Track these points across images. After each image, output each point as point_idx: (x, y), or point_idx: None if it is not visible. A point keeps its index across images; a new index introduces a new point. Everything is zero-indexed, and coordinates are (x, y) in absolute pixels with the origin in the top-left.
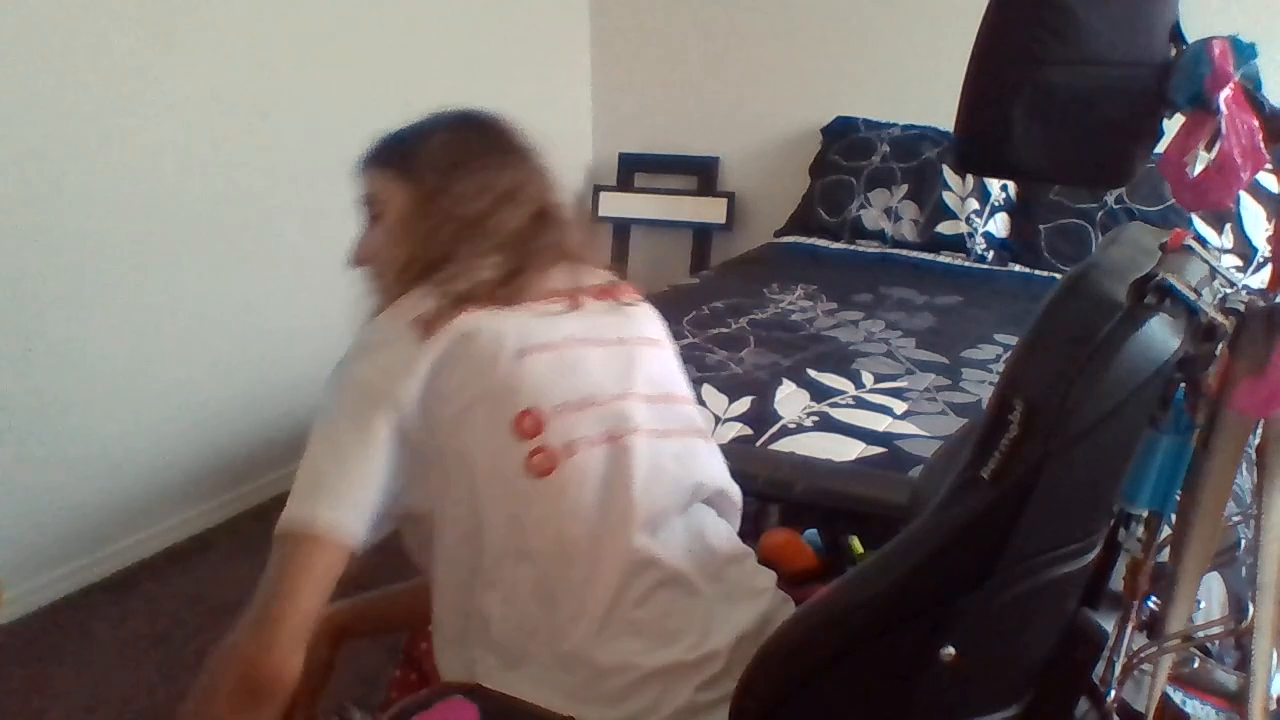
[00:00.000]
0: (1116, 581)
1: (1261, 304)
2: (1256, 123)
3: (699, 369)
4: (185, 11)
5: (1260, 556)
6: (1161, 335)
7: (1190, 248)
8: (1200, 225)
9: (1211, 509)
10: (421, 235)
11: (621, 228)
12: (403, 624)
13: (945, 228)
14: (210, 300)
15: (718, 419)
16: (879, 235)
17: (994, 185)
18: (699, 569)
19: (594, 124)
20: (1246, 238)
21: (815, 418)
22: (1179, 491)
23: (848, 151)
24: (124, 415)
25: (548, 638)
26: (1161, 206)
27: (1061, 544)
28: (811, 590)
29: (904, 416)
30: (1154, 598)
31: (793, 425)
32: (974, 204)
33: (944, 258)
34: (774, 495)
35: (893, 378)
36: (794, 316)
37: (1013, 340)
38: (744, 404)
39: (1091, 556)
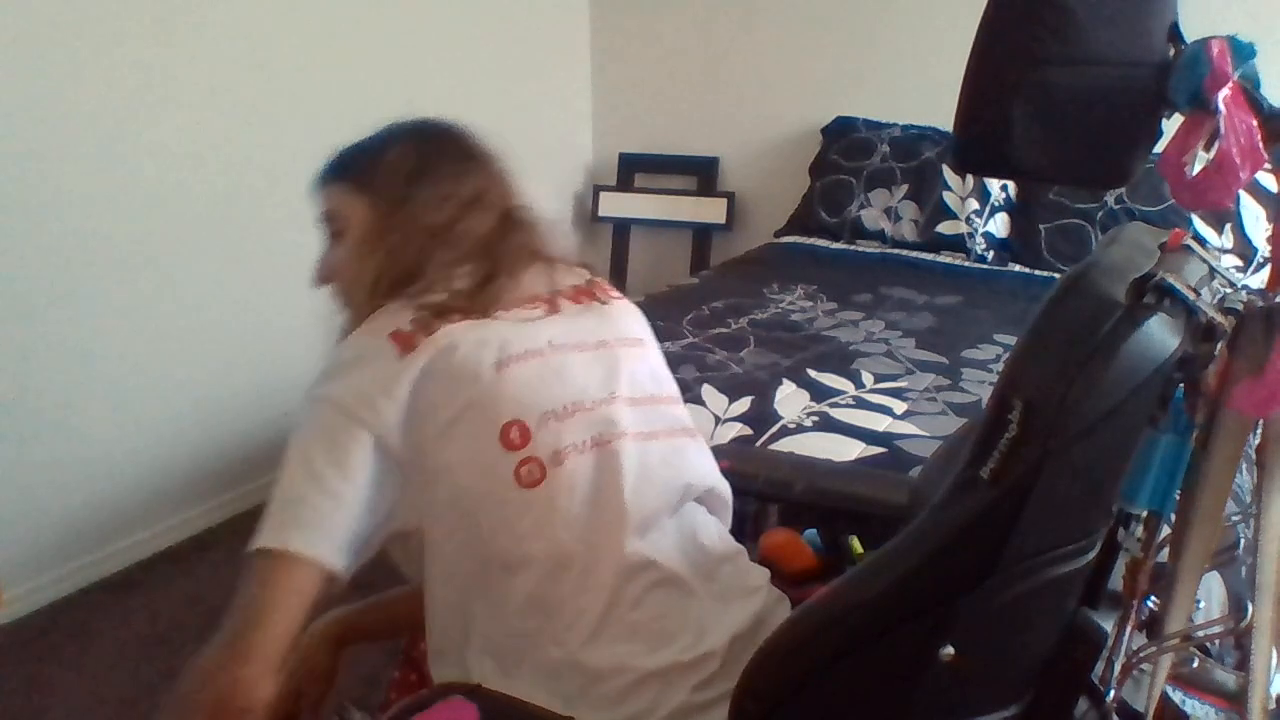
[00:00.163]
0: (1116, 581)
1: (1261, 304)
2: (1255, 122)
3: (699, 369)
4: (185, 11)
5: (1260, 556)
6: (1161, 335)
7: (1189, 248)
8: (1200, 225)
9: (1211, 509)
10: (389, 249)
11: (621, 228)
12: (404, 627)
13: (945, 228)
14: (210, 300)
15: (718, 419)
16: (879, 235)
17: (994, 185)
18: (692, 569)
19: (594, 124)
20: (1246, 238)
21: (815, 418)
22: (1178, 491)
23: (848, 151)
24: (124, 415)
25: (543, 645)
26: (1161, 206)
27: (1061, 544)
28: (811, 590)
29: (904, 416)
30: (1153, 597)
31: (793, 425)
32: (974, 204)
33: (944, 258)
34: (774, 495)
35: (893, 378)
36: (794, 316)
37: (1013, 340)
38: (744, 404)
39: (1091, 556)
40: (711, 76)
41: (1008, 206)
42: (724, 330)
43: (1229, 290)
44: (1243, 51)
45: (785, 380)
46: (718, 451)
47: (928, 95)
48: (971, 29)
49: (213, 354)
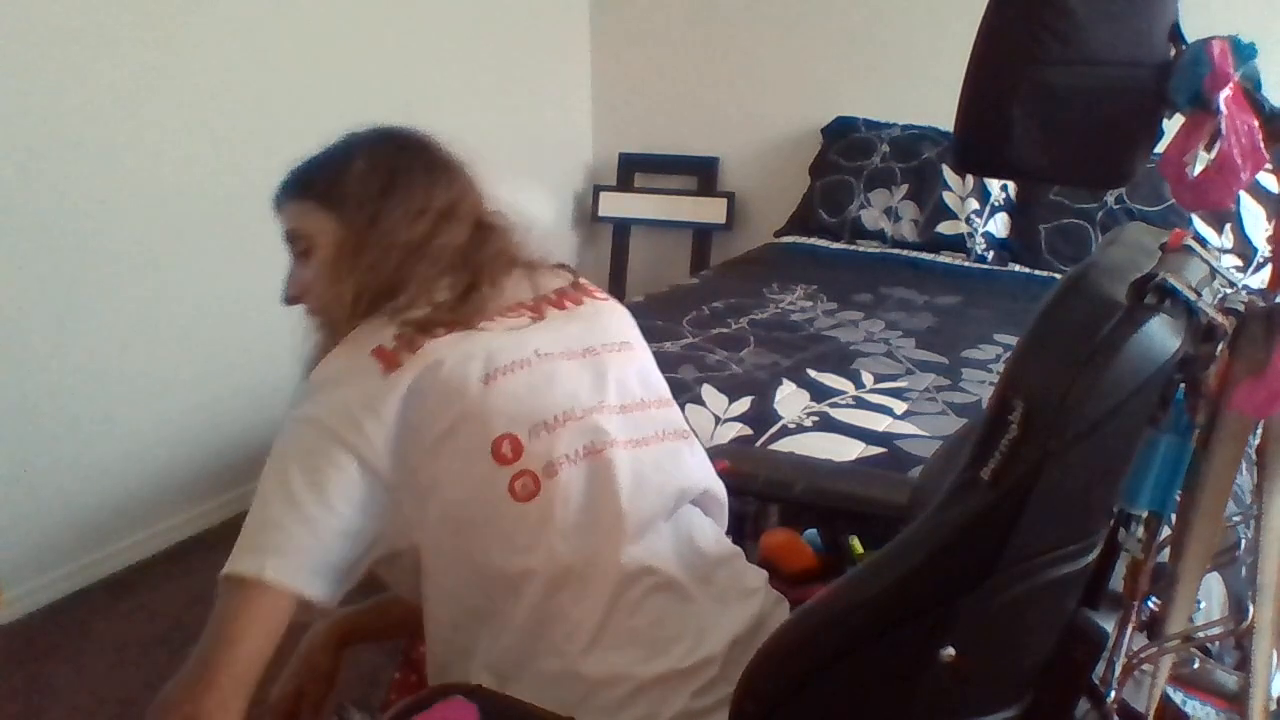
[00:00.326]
0: (1116, 582)
1: (1261, 304)
2: (1256, 123)
3: (699, 369)
4: (186, 11)
5: (1260, 556)
6: (1161, 335)
7: (1190, 248)
8: (1200, 225)
9: (1211, 509)
10: (366, 267)
11: (621, 228)
12: (405, 628)
13: (945, 228)
14: (211, 300)
15: (718, 419)
16: (879, 235)
17: (994, 185)
18: (689, 573)
19: (594, 124)
20: (1246, 238)
21: (815, 418)
22: (1179, 492)
23: (848, 151)
24: (124, 415)
25: (541, 656)
26: (1161, 206)
27: (1061, 544)
28: (811, 590)
29: (904, 416)
30: (1154, 598)
31: (793, 425)
32: (974, 204)
33: (944, 258)
34: (774, 495)
35: (893, 378)
36: (794, 316)
37: (1013, 340)
38: (744, 404)
39: (1091, 557)
40: (711, 76)
41: (1008, 206)
42: (724, 330)
43: (1230, 290)
44: (1244, 52)
45: (785, 380)
46: (717, 451)
47: (928, 95)
48: (971, 29)
49: (213, 354)
